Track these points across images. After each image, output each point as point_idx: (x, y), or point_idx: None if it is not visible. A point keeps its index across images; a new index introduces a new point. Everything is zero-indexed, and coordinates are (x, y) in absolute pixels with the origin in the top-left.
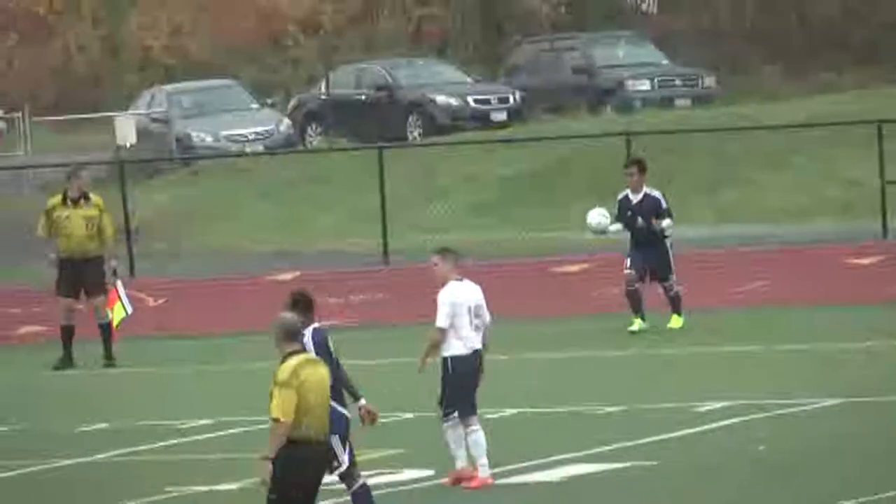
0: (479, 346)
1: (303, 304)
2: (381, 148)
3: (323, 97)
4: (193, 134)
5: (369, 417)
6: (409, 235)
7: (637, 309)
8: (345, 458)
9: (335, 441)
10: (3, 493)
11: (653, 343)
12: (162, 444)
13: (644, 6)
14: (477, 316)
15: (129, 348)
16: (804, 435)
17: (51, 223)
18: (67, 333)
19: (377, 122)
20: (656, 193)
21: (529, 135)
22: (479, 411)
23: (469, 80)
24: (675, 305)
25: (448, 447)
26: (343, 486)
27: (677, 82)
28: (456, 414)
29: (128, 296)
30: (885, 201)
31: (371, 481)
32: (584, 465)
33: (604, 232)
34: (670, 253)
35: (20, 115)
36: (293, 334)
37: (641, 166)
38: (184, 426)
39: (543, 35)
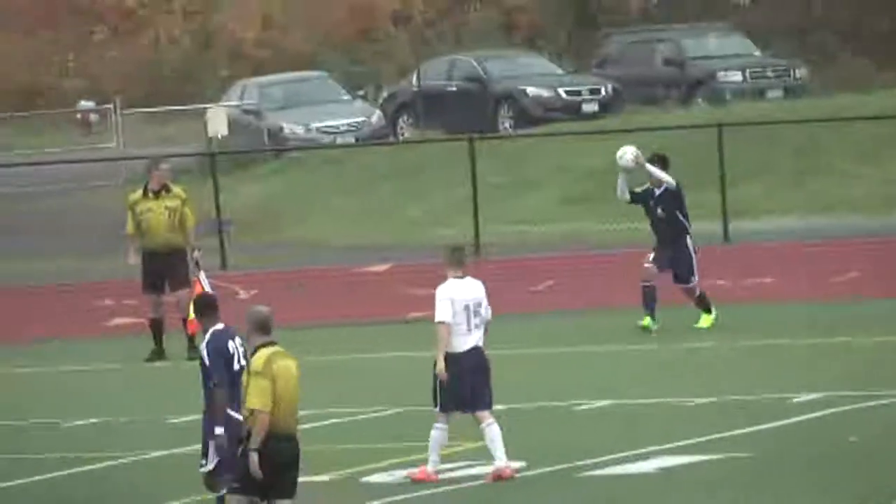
0: (479, 343)
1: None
2: (473, 139)
3: (414, 89)
4: (285, 126)
5: None
6: (501, 227)
7: (649, 305)
8: (211, 464)
9: (211, 444)
10: (94, 484)
11: (754, 336)
12: None
13: None
14: (476, 314)
15: None
16: None
17: (136, 218)
18: (157, 326)
19: (468, 113)
20: (673, 185)
21: (621, 126)
22: (567, 402)
23: (560, 71)
24: (703, 304)
25: (429, 445)
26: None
27: (769, 73)
28: (442, 412)
29: (218, 287)
30: None
31: (460, 473)
32: (677, 458)
33: (627, 170)
34: (693, 257)
35: (111, 107)
36: (264, 327)
37: (664, 162)
38: None
39: (634, 27)
